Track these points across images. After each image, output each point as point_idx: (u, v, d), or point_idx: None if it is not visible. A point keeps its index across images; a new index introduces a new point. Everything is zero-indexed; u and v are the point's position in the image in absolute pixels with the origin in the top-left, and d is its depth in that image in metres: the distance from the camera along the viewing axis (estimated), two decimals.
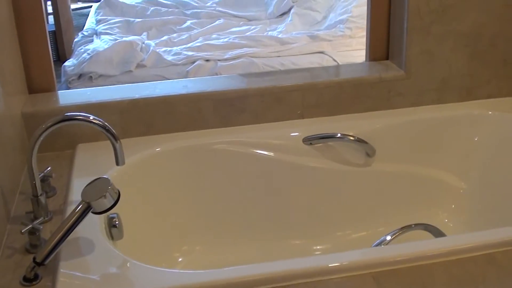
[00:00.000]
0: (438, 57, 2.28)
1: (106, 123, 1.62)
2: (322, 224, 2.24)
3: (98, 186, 1.45)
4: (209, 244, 2.15)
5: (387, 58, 2.40)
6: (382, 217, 2.27)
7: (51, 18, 5.32)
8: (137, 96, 2.11)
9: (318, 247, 2.23)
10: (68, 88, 3.47)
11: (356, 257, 1.52)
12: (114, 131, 1.62)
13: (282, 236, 2.21)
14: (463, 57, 2.29)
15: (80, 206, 1.43)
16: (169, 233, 2.08)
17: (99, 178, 1.48)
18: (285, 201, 2.21)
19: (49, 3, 5.20)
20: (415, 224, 1.94)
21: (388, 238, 1.82)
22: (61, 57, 5.23)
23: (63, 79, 3.64)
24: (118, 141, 1.64)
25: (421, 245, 1.54)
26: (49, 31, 4.98)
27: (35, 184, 1.63)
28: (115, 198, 1.45)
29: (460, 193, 2.30)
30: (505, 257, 1.50)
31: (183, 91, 2.14)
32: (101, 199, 1.42)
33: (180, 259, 2.11)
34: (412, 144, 2.26)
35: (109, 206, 1.44)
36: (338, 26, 4.09)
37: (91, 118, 1.62)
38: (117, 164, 1.67)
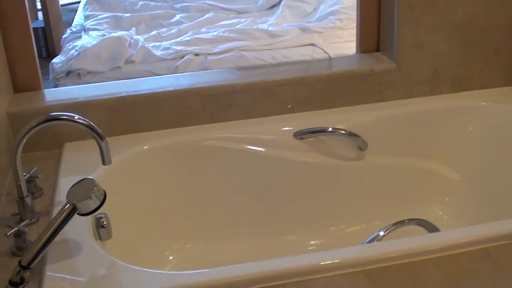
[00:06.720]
0: (430, 49, 2.25)
1: (91, 123, 1.59)
2: (315, 219, 2.22)
3: (83, 187, 1.42)
4: (200, 242, 2.12)
5: (378, 50, 2.37)
6: (376, 210, 2.24)
7: (40, 14, 5.26)
8: (123, 93, 2.07)
9: (312, 242, 2.20)
10: (57, 86, 3.42)
11: (348, 254, 1.49)
12: (99, 130, 1.59)
13: (275, 232, 2.18)
14: (455, 48, 2.27)
15: (65, 208, 1.40)
16: (159, 232, 2.05)
17: (84, 179, 1.45)
18: (277, 196, 2.18)
19: None
20: (409, 220, 1.92)
21: (382, 233, 1.80)
22: (50, 53, 5.14)
23: (51, 76, 3.60)
24: (104, 140, 1.60)
25: (414, 241, 1.52)
26: (38, 28, 4.89)
27: (20, 185, 1.61)
28: (101, 199, 1.42)
29: (455, 185, 2.28)
30: (500, 251, 1.48)
31: (170, 87, 2.11)
32: (86, 200, 1.39)
33: (171, 257, 2.08)
34: (404, 137, 2.24)
35: (94, 207, 1.41)
36: (329, 17, 4.06)
37: (76, 117, 1.59)
38: (104, 163, 1.63)
